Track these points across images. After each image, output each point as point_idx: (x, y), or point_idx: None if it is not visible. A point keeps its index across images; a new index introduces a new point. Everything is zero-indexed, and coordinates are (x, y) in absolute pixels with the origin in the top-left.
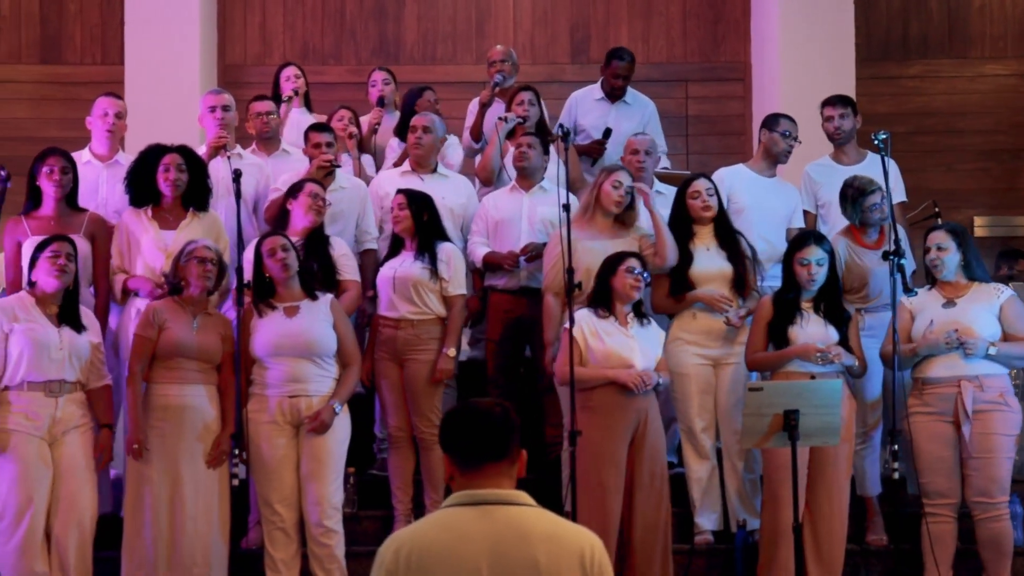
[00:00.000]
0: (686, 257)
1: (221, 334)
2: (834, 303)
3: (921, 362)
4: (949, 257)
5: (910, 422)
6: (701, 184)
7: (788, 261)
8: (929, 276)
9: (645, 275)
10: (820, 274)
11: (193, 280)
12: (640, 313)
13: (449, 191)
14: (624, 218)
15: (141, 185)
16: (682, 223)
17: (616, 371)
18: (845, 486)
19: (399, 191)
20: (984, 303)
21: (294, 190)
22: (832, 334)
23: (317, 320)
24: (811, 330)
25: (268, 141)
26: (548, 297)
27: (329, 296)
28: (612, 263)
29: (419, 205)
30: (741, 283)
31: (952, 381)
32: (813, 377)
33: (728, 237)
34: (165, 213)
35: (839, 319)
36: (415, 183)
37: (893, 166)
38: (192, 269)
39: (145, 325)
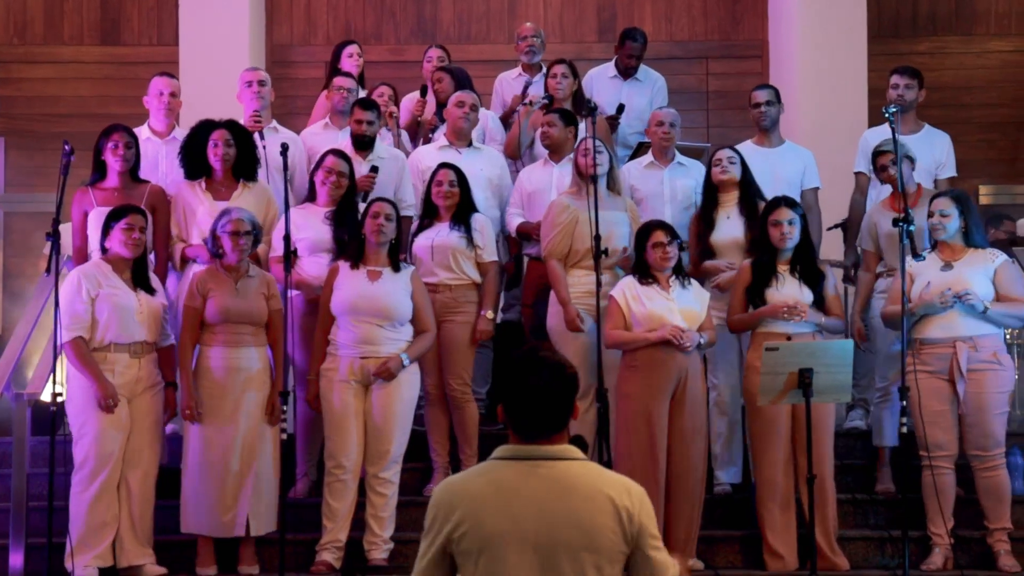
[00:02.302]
0: (709, 225)
1: (265, 293)
2: (809, 264)
3: (919, 323)
4: (951, 223)
5: (911, 380)
6: (723, 153)
7: (763, 224)
8: (931, 240)
9: (676, 242)
10: (792, 234)
11: (228, 251)
12: (682, 274)
13: (486, 163)
14: (610, 184)
15: (193, 159)
16: (709, 192)
17: (655, 332)
18: (830, 448)
19: (446, 166)
20: (979, 267)
21: (318, 163)
22: (807, 294)
23: (397, 287)
24: (786, 291)
25: (342, 115)
26: (552, 262)
27: (412, 268)
28: (640, 240)
29: (464, 182)
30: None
31: (948, 342)
32: (790, 338)
33: (749, 205)
34: (218, 185)
35: (814, 280)
36: (453, 156)
37: (947, 142)
38: (226, 242)
39: (190, 296)
